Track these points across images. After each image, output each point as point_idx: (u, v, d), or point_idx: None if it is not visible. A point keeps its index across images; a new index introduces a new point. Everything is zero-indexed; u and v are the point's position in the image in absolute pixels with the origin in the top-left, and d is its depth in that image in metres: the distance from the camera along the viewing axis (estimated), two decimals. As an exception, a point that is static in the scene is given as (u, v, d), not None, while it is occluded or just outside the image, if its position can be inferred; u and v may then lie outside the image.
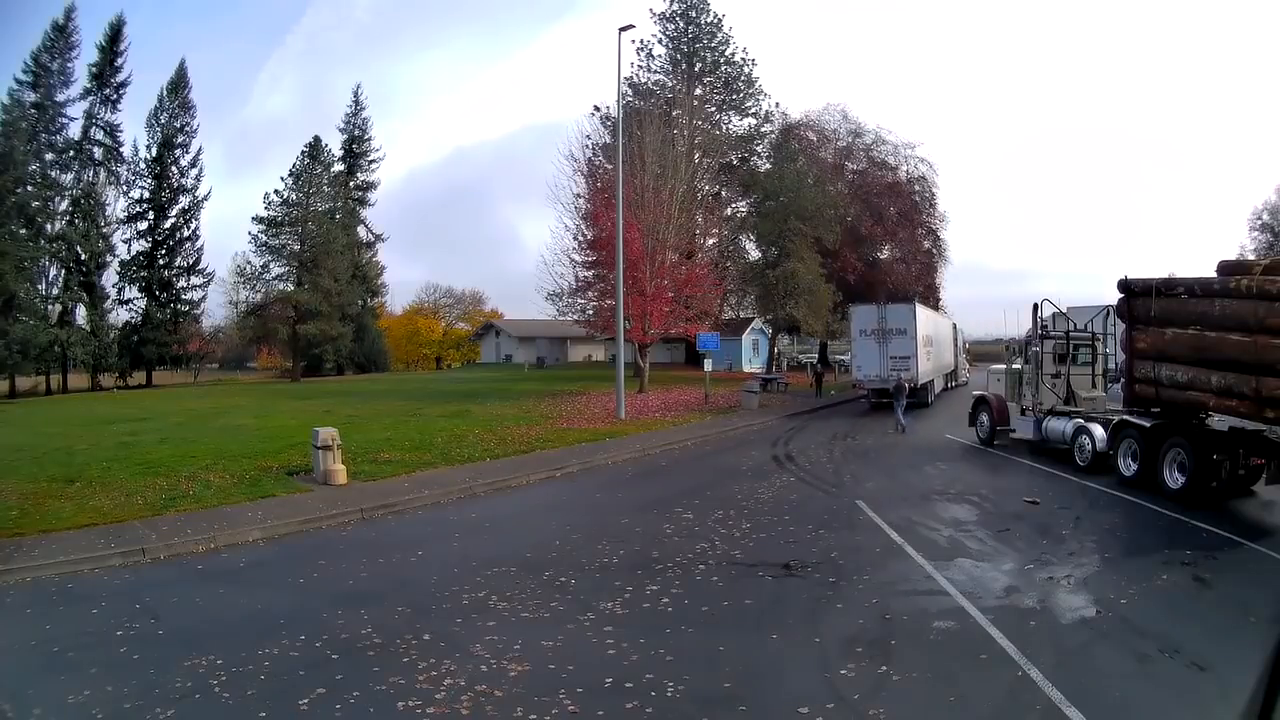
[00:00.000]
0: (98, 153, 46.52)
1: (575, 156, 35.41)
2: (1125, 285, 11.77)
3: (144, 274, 49.26)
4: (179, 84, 50.54)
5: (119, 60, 47.40)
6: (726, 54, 47.55)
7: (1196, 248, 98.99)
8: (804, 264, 39.92)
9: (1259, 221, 48.72)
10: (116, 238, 48.22)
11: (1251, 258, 31.88)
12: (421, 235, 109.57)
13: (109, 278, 48.06)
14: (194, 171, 51.01)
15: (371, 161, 59.70)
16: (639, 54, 46.30)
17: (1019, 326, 16.47)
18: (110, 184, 47.52)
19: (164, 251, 50.16)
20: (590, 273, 33.50)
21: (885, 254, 48.97)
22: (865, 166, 49.17)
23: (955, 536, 8.95)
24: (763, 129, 47.78)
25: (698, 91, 46.06)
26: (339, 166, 57.05)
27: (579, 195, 34.05)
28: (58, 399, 38.28)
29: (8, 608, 7.14)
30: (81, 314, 46.26)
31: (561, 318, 37.83)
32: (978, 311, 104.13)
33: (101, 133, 46.78)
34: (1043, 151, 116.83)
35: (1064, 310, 16.60)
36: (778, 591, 7.15)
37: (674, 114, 38.81)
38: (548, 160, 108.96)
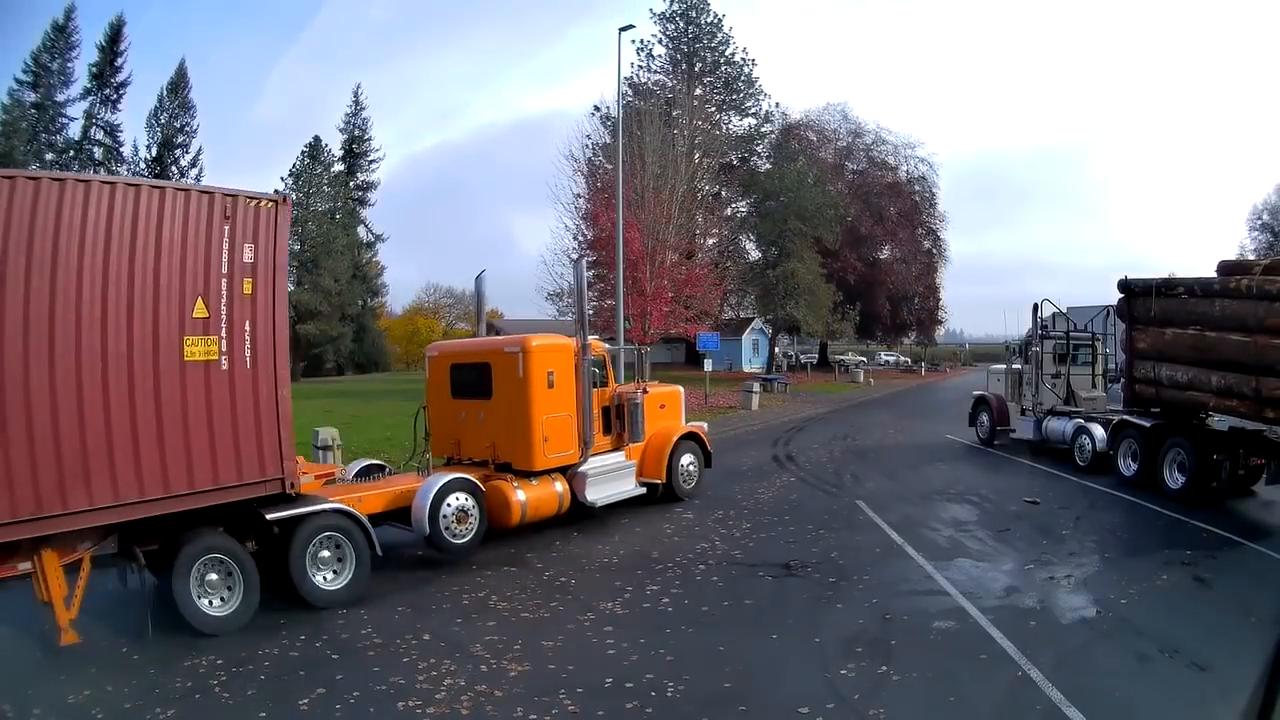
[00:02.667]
0: (98, 153, 46.58)
1: (575, 156, 35.46)
2: (1125, 285, 11.77)
3: (144, 274, 49.18)
4: (179, 84, 50.55)
5: (119, 60, 47.49)
6: (726, 54, 47.62)
7: (1196, 248, 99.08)
8: (804, 264, 39.97)
9: (1259, 221, 48.92)
10: (117, 238, 48.24)
11: (1251, 258, 31.88)
12: (421, 235, 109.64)
13: (109, 278, 48.03)
14: (194, 171, 50.97)
15: (371, 161, 59.73)
16: (639, 54, 46.40)
17: (1019, 326, 16.47)
18: (110, 184, 47.55)
19: (164, 251, 50.09)
20: (590, 273, 33.45)
21: (885, 254, 49.10)
22: (865, 166, 49.28)
23: (955, 536, 8.95)
24: (763, 129, 47.87)
25: (698, 91, 46.07)
26: (339, 166, 57.10)
27: (579, 195, 34.10)
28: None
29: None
30: (82, 314, 46.26)
31: (561, 318, 37.82)
32: (978, 312, 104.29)
33: (101, 133, 46.89)
34: (1043, 151, 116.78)
35: (1064, 310, 16.61)
36: (778, 591, 7.15)
37: (674, 114, 38.79)
38: (547, 160, 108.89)
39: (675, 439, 10.93)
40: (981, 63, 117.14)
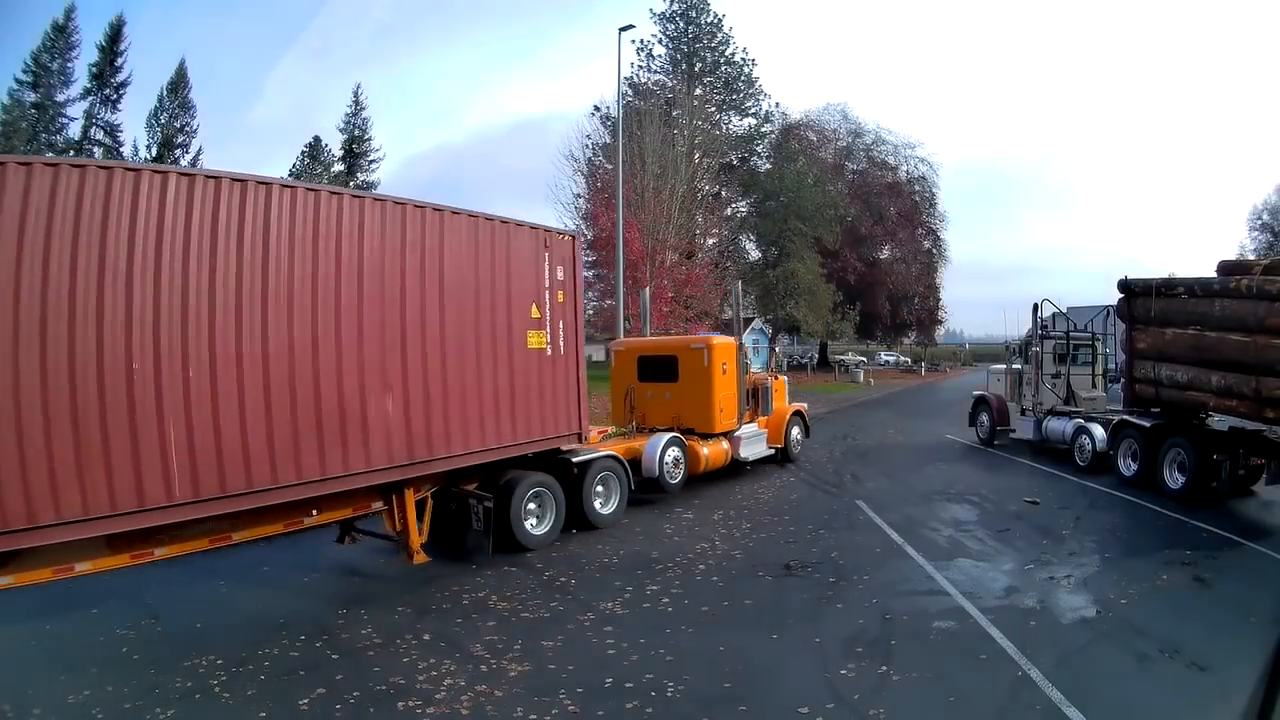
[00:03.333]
0: (98, 153, 46.52)
1: (575, 156, 35.49)
2: (1125, 285, 11.77)
3: (144, 274, 49.11)
4: (179, 84, 50.45)
5: (119, 60, 47.37)
6: (726, 54, 47.60)
7: (1196, 248, 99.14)
8: (804, 264, 40.00)
9: (1259, 221, 48.92)
10: (117, 238, 48.21)
11: (1251, 258, 31.86)
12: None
13: (109, 278, 47.96)
14: (194, 172, 51.01)
15: (371, 162, 59.48)
16: (639, 54, 46.36)
17: (1019, 326, 16.48)
18: (111, 184, 47.55)
19: (164, 252, 50.08)
20: (590, 273, 33.49)
21: (885, 254, 49.09)
22: (865, 166, 49.26)
23: (955, 536, 8.95)
24: (763, 129, 47.86)
25: (698, 91, 46.03)
26: (339, 167, 57.00)
27: (579, 195, 34.16)
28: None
29: None
30: (82, 314, 46.20)
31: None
32: (978, 311, 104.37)
33: (101, 133, 46.81)
34: (1043, 150, 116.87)
35: (1064, 310, 16.60)
36: (778, 591, 7.15)
37: (674, 114, 38.77)
38: (547, 160, 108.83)
39: (789, 415, 14.17)
40: (982, 62, 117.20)
